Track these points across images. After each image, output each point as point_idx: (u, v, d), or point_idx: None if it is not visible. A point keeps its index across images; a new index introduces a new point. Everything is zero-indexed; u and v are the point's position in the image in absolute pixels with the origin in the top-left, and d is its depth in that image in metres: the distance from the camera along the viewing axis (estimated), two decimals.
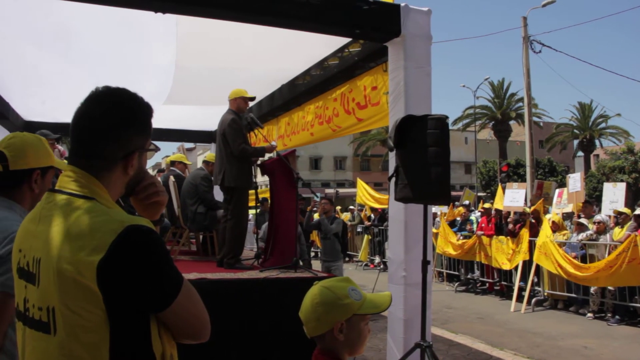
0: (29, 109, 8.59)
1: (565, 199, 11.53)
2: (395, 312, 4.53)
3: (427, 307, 4.07)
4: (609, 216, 10.27)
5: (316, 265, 10.15)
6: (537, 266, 9.97)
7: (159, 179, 7.79)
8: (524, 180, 23.51)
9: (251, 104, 6.92)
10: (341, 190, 37.38)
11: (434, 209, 13.79)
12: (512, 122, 44.63)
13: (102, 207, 1.38)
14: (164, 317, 1.37)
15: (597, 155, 49.43)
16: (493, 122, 44.78)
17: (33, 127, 8.03)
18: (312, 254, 17.55)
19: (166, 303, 1.34)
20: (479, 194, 38.23)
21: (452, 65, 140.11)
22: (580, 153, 48.48)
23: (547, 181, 15.79)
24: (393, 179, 4.12)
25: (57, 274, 1.29)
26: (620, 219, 9.82)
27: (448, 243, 12.58)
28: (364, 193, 16.83)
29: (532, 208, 11.38)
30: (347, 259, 16.49)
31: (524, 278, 10.28)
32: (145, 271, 1.31)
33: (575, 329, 8.52)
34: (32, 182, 2.13)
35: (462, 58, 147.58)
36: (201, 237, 7.33)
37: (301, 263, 5.57)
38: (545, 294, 10.28)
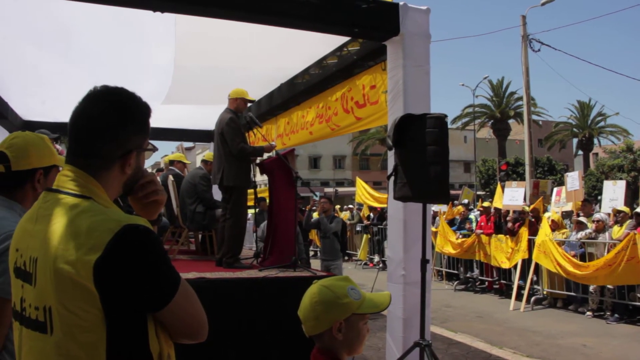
0: (27, 109, 8.59)
1: (564, 197, 11.53)
2: (394, 311, 4.53)
3: (427, 306, 4.07)
4: (608, 214, 10.27)
5: (315, 264, 10.15)
6: (537, 265, 9.97)
7: (158, 178, 7.78)
8: (523, 179, 23.51)
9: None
10: (340, 189, 37.39)
11: (434, 207, 13.80)
12: (511, 121, 44.66)
13: (100, 206, 1.38)
14: (161, 317, 1.37)
15: (596, 154, 49.46)
16: (492, 120, 44.82)
17: (32, 126, 8.02)
18: (312, 252, 17.55)
19: (163, 302, 1.34)
20: (478, 192, 38.25)
21: (451, 64, 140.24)
22: (579, 152, 48.50)
23: (543, 180, 15.80)
24: (392, 178, 4.12)
25: (54, 273, 1.29)
26: (619, 217, 9.82)
27: (447, 242, 12.59)
28: (363, 192, 16.83)
29: (532, 207, 11.39)
30: (346, 257, 16.49)
31: (523, 277, 10.28)
32: (142, 271, 1.30)
33: (574, 327, 8.53)
34: (35, 182, 2.12)
35: (461, 57, 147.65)
36: (200, 236, 7.33)
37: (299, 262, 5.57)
38: (545, 292, 10.28)
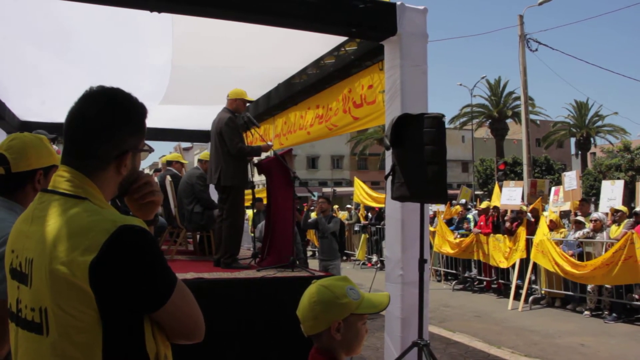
0: (25, 109, 8.58)
1: (562, 197, 11.55)
2: (392, 310, 4.53)
3: (425, 306, 4.08)
4: (606, 214, 10.29)
5: (314, 264, 10.14)
6: (535, 264, 9.98)
7: (156, 178, 7.78)
8: (521, 179, 23.54)
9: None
10: (338, 189, 37.43)
11: (432, 207, 13.81)
12: (509, 121, 44.73)
13: (95, 207, 1.38)
14: (158, 317, 1.36)
15: (594, 154, 49.54)
16: (490, 120, 44.89)
17: (29, 127, 8.01)
18: (310, 252, 17.56)
19: (160, 303, 1.34)
20: (476, 192, 38.29)
21: (448, 64, 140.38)
22: (577, 151, 48.58)
23: (540, 179, 15.82)
24: (390, 178, 4.12)
25: (50, 274, 1.29)
26: (617, 216, 9.84)
27: (445, 241, 12.59)
28: (361, 192, 16.83)
29: (532, 207, 11.41)
30: (344, 257, 16.49)
31: (521, 276, 10.29)
32: (138, 271, 1.30)
33: (572, 326, 8.54)
34: (35, 183, 2.12)
35: (458, 56, 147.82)
36: (198, 236, 7.33)
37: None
38: (543, 292, 10.30)
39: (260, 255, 5.90)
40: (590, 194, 30.88)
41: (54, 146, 7.18)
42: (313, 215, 11.02)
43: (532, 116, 34.77)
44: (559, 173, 36.92)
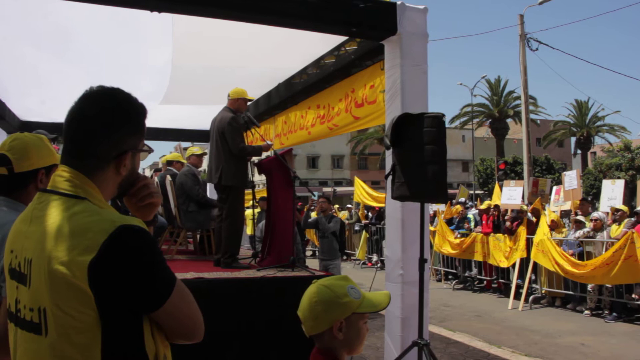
0: (25, 109, 8.58)
1: (562, 196, 11.54)
2: (392, 310, 4.54)
3: (425, 305, 4.07)
4: (607, 213, 10.28)
5: (314, 263, 10.15)
6: (535, 264, 9.98)
7: (156, 178, 7.78)
8: (521, 178, 23.53)
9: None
10: (339, 189, 37.44)
11: (432, 207, 13.81)
12: (509, 120, 44.70)
13: (94, 207, 1.37)
14: (157, 318, 1.36)
15: (594, 153, 49.52)
16: (490, 120, 44.85)
17: (30, 127, 8.01)
18: (310, 252, 17.56)
19: (159, 303, 1.34)
20: (477, 191, 38.30)
21: (449, 63, 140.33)
22: (577, 150, 48.55)
23: (542, 178, 15.82)
24: (390, 177, 4.12)
25: (49, 274, 1.29)
26: (617, 216, 9.84)
27: (446, 241, 12.59)
28: (362, 191, 16.83)
29: (532, 206, 11.41)
30: (344, 257, 16.49)
31: (522, 276, 10.29)
32: (137, 271, 1.30)
33: (572, 326, 8.54)
34: (37, 182, 2.14)
35: (458, 56, 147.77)
36: (198, 236, 7.33)
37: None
38: (543, 291, 10.29)
39: (261, 255, 5.90)
40: (591, 194, 30.88)
41: (55, 146, 7.20)
42: (313, 215, 11.03)
43: (532, 115, 34.72)
44: (559, 172, 36.90)
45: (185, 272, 4.86)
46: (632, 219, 9.60)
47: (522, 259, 10.26)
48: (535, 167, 36.83)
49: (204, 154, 7.48)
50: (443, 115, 3.90)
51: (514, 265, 10.51)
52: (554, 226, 10.17)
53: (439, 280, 13.41)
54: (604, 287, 9.09)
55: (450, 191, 17.84)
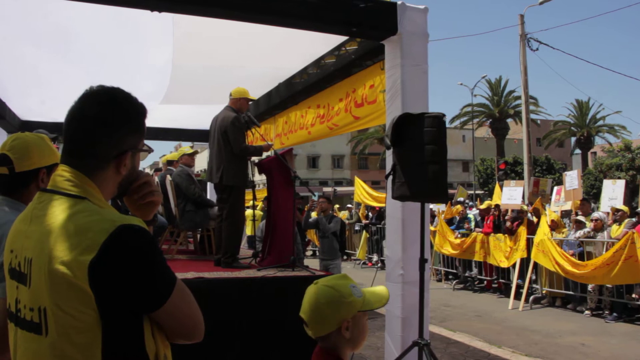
0: (26, 109, 8.59)
1: (563, 196, 11.54)
2: (393, 310, 4.53)
3: (425, 305, 4.07)
4: (607, 213, 10.28)
5: (314, 263, 10.14)
6: (535, 264, 9.98)
7: (156, 178, 7.79)
8: (521, 178, 23.53)
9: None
10: (339, 189, 37.41)
11: (432, 207, 13.80)
12: (509, 120, 44.70)
13: (95, 206, 1.37)
14: (157, 317, 1.36)
15: (595, 153, 49.51)
16: (490, 120, 44.84)
17: (30, 126, 8.01)
18: (310, 252, 17.56)
19: (159, 303, 1.34)
20: (477, 191, 38.29)
21: (449, 63, 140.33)
22: (577, 150, 48.54)
23: (543, 178, 15.82)
24: (390, 177, 4.12)
25: (49, 274, 1.28)
26: (617, 216, 9.84)
27: (446, 241, 12.59)
28: (362, 191, 16.83)
29: (533, 206, 11.40)
30: (345, 257, 16.49)
31: (522, 276, 10.29)
32: (137, 271, 1.30)
33: (573, 326, 8.54)
34: (39, 182, 2.14)
35: (459, 56, 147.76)
36: (199, 236, 7.32)
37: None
38: (543, 291, 10.29)
39: (261, 255, 5.90)
40: (591, 194, 30.88)
41: (55, 145, 7.20)
42: (314, 214, 11.02)
43: (532, 115, 34.72)
44: (559, 172, 36.92)
45: (185, 271, 4.86)
46: (633, 219, 9.61)
47: (522, 259, 10.25)
48: (536, 167, 36.82)
49: (196, 152, 7.49)
50: (443, 115, 3.90)
51: (514, 265, 10.50)
52: (554, 226, 10.16)
53: (440, 280, 13.40)
54: (604, 287, 9.08)
55: (450, 191, 17.88)
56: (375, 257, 15.99)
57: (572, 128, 46.95)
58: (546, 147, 49.55)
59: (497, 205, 12.05)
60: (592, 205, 12.46)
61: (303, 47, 5.98)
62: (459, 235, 12.48)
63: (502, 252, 10.78)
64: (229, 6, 4.14)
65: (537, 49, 19.88)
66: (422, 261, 4.06)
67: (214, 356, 4.03)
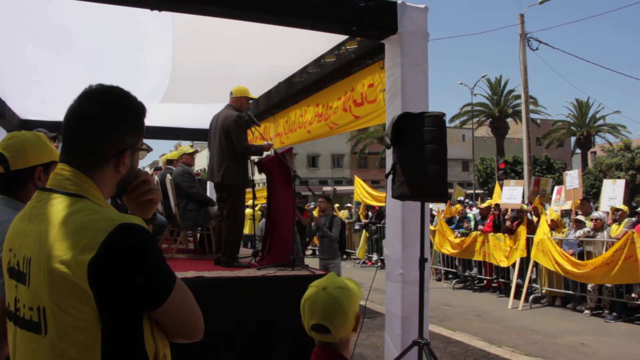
0: (25, 108, 8.58)
1: (564, 196, 11.54)
2: (392, 309, 4.53)
3: (425, 305, 4.07)
4: (607, 213, 10.28)
5: (314, 263, 10.14)
6: (535, 263, 9.98)
7: (156, 177, 7.78)
8: (521, 178, 23.54)
9: None
10: (339, 188, 37.41)
11: (432, 206, 13.79)
12: (509, 120, 44.69)
13: (94, 205, 1.37)
14: (157, 316, 1.36)
15: (595, 153, 49.51)
16: (490, 119, 44.83)
17: (30, 125, 8.01)
18: (309, 251, 17.56)
19: (159, 302, 1.33)
20: (477, 191, 38.29)
21: (449, 63, 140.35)
22: (577, 150, 48.54)
23: (543, 178, 15.82)
24: (390, 177, 4.11)
25: (48, 273, 1.28)
26: (617, 215, 9.83)
27: (446, 240, 12.58)
28: (362, 191, 16.83)
29: (533, 205, 11.40)
30: (344, 256, 16.49)
31: (522, 275, 10.29)
32: (136, 270, 1.29)
33: (572, 325, 8.54)
34: (35, 180, 2.13)
35: (459, 55, 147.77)
36: (199, 235, 7.32)
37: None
38: (543, 291, 10.29)
39: (261, 254, 5.90)
40: (591, 193, 30.87)
41: (54, 144, 7.19)
42: (314, 213, 11.01)
43: (532, 115, 34.73)
44: (559, 172, 36.95)
45: (185, 271, 4.86)
46: (633, 218, 9.60)
47: (522, 259, 10.25)
48: (536, 167, 36.84)
49: (196, 152, 7.50)
50: (443, 114, 3.89)
51: (514, 265, 10.50)
52: (554, 226, 10.16)
53: (439, 280, 13.40)
54: (604, 287, 9.08)
55: (449, 190, 17.88)
56: (375, 257, 16.00)
57: (572, 128, 46.95)
58: (546, 147, 49.54)
59: (497, 205, 12.05)
60: (592, 205, 12.43)
61: (303, 46, 5.97)
62: (458, 235, 12.48)
63: (502, 251, 10.78)
64: (228, 5, 4.13)
65: (537, 49, 19.90)
66: (422, 260, 4.06)
67: (214, 355, 4.03)
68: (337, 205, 21.93)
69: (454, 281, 12.64)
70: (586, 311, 9.26)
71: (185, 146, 7.93)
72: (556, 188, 12.52)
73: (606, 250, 8.81)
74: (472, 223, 12.76)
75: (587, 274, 8.72)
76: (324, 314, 1.88)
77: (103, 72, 6.30)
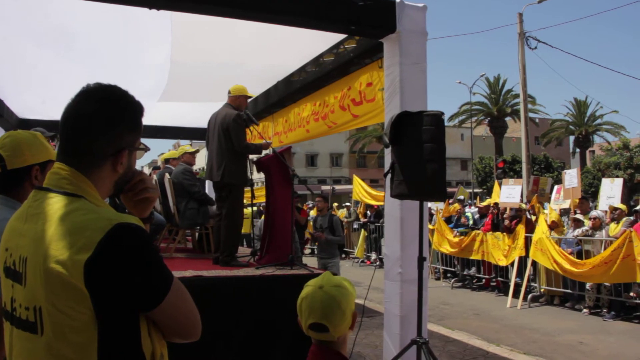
0: (24, 107, 8.57)
1: (563, 195, 11.55)
2: (391, 308, 4.53)
3: (424, 304, 4.07)
4: (605, 212, 10.29)
5: (313, 262, 10.14)
6: (533, 262, 9.98)
7: (155, 176, 7.77)
8: (520, 177, 23.55)
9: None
10: (337, 187, 37.42)
11: (430, 205, 13.80)
12: (508, 119, 44.73)
13: (91, 205, 1.36)
14: (154, 316, 1.36)
15: (593, 151, 49.55)
16: (489, 118, 44.86)
17: (28, 124, 8.00)
18: (308, 250, 17.57)
19: (156, 302, 1.33)
20: (475, 190, 38.31)
21: (448, 62, 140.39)
22: (576, 149, 48.58)
23: (542, 177, 15.84)
24: (389, 176, 4.11)
25: (44, 273, 1.27)
26: (615, 214, 9.84)
27: (444, 239, 12.59)
28: (360, 190, 16.83)
29: (531, 204, 11.39)
30: (343, 255, 16.50)
31: (520, 274, 10.29)
32: (133, 270, 1.29)
33: (571, 324, 8.55)
34: (32, 179, 2.13)
35: (457, 54, 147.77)
36: (197, 234, 7.32)
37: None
38: (542, 289, 10.30)
39: (259, 253, 5.89)
40: (589, 192, 30.90)
41: (53, 143, 7.18)
42: (312, 213, 11.01)
43: (531, 114, 34.77)
44: (558, 171, 36.97)
45: (184, 270, 4.86)
46: (631, 217, 9.61)
47: (520, 258, 10.26)
48: (534, 166, 36.87)
49: (197, 151, 7.49)
50: (442, 113, 3.89)
51: (512, 264, 10.51)
52: (554, 226, 10.17)
53: (438, 279, 13.41)
54: (603, 286, 9.09)
55: (448, 189, 17.90)
56: (373, 256, 16.00)
57: (571, 127, 46.98)
58: (544, 145, 49.58)
59: (495, 204, 12.05)
60: (591, 203, 12.44)
61: (301, 45, 5.96)
62: (457, 234, 12.48)
63: (501, 250, 10.78)
64: (227, 4, 4.13)
65: (536, 48, 19.95)
66: (421, 259, 4.06)
67: (212, 355, 4.02)
68: (335, 204, 21.94)
69: (452, 280, 12.65)
70: (584, 310, 9.27)
71: (186, 145, 7.93)
72: (556, 187, 12.52)
73: (604, 249, 8.83)
74: (471, 222, 12.77)
75: (586, 272, 8.73)
76: (322, 312, 1.89)
77: (103, 72, 6.29)
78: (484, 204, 13.00)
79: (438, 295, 10.74)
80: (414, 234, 4.29)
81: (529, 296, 10.12)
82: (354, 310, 1.97)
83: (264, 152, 5.97)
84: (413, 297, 4.14)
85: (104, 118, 1.43)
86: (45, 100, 7.63)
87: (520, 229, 10.30)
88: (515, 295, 10.12)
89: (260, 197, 11.67)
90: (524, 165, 20.74)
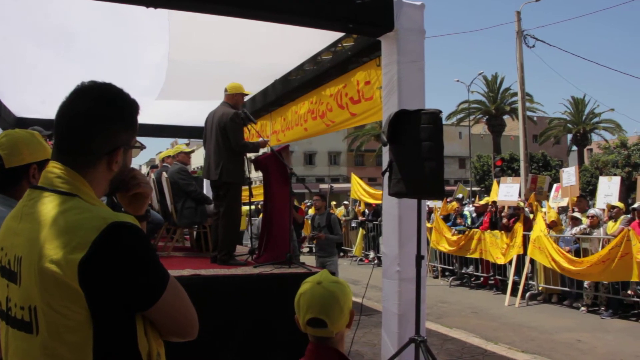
0: (21, 106, 8.55)
1: (561, 193, 11.56)
2: (389, 307, 4.54)
3: (422, 302, 4.07)
4: (603, 210, 10.30)
5: (311, 260, 10.14)
6: (531, 260, 9.99)
7: (153, 175, 7.76)
8: (518, 175, 23.58)
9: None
10: (335, 186, 37.37)
11: (428, 203, 13.80)
12: (505, 117, 44.77)
13: (86, 204, 1.35)
14: (150, 315, 1.35)
15: (591, 150, 49.62)
16: (487, 116, 44.90)
17: (25, 123, 7.98)
18: (307, 249, 17.57)
19: (152, 301, 1.32)
20: (473, 188, 38.35)
21: (445, 60, 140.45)
22: (574, 147, 48.66)
23: (541, 175, 15.84)
24: (387, 174, 4.11)
25: (39, 272, 1.27)
26: (613, 212, 9.85)
27: (442, 237, 12.59)
28: (358, 188, 16.82)
29: (529, 201, 11.38)
30: (341, 254, 16.50)
31: (518, 272, 10.30)
32: (129, 269, 1.28)
33: (569, 322, 8.56)
34: (30, 177, 2.13)
35: (455, 52, 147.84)
36: (195, 233, 7.31)
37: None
38: (540, 288, 10.31)
39: (257, 252, 5.89)
40: (587, 190, 30.95)
41: (50, 142, 7.18)
42: (311, 211, 11.01)
43: (529, 112, 34.77)
44: (556, 169, 37.03)
45: (181, 269, 4.85)
46: (628, 215, 9.62)
47: (518, 256, 10.27)
48: (532, 164, 36.91)
49: (192, 151, 7.49)
50: (440, 111, 3.89)
51: (510, 262, 10.52)
52: (553, 225, 10.17)
53: (436, 277, 13.41)
54: (600, 284, 9.10)
55: (446, 187, 17.90)
56: (371, 254, 16.01)
57: (568, 125, 47.03)
58: (542, 144, 49.64)
59: (494, 202, 12.06)
60: (589, 201, 12.45)
61: (299, 43, 5.96)
62: (455, 232, 12.48)
63: (499, 248, 10.78)
64: (224, 2, 4.12)
65: (534, 46, 19.99)
66: (419, 258, 4.06)
67: (210, 354, 4.02)
68: (334, 202, 21.93)
69: (450, 278, 12.65)
70: (582, 308, 9.29)
71: (182, 144, 7.94)
72: (555, 185, 12.53)
73: (602, 247, 8.84)
74: (469, 220, 12.77)
75: (584, 271, 8.74)
76: (320, 307, 1.90)
77: (102, 71, 6.26)
78: (482, 202, 13.00)
79: (436, 294, 10.74)
80: (412, 232, 4.29)
81: (527, 294, 10.13)
82: (352, 308, 1.97)
83: (262, 150, 5.96)
84: (411, 296, 4.14)
85: (99, 116, 1.42)
86: (45, 99, 7.61)
87: (518, 227, 10.30)
88: (514, 293, 10.13)
89: (259, 196, 11.67)
90: (522, 164, 20.76)
